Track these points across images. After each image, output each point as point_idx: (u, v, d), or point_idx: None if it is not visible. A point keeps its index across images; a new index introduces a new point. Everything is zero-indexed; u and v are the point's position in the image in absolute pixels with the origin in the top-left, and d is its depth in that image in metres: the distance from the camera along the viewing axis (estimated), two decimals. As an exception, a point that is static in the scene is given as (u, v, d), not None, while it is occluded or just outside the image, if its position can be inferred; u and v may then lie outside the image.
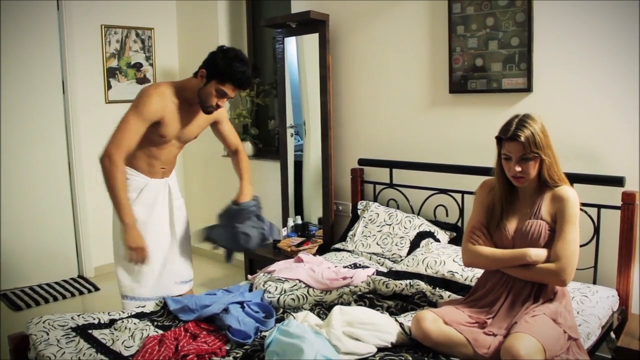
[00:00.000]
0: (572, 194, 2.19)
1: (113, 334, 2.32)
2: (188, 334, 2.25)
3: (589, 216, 2.85)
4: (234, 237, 2.80)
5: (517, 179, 2.21)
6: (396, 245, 3.29)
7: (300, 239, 3.96)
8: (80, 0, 4.61)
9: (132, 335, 2.29)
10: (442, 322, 2.11)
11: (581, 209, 2.84)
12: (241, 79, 2.62)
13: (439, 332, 2.08)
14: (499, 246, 2.28)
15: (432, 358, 2.07)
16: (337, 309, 2.22)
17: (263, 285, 2.70)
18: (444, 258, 2.88)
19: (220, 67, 2.60)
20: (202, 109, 2.71)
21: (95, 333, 2.30)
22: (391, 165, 3.65)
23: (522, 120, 2.17)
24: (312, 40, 3.96)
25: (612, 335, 2.63)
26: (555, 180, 2.21)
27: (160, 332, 2.33)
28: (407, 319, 2.36)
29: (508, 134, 2.16)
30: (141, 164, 2.77)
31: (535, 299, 2.18)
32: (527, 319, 2.05)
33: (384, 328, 2.18)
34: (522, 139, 2.12)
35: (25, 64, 4.40)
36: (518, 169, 2.17)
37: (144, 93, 2.61)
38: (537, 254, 2.15)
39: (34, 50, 4.44)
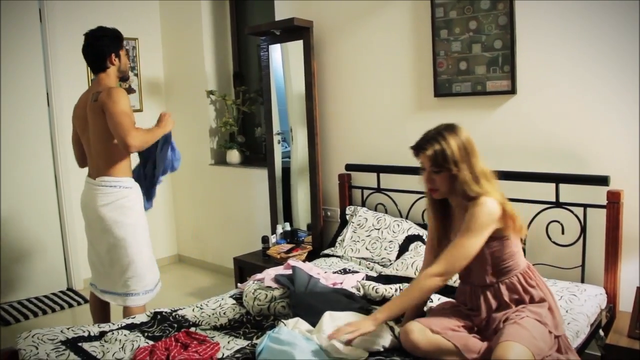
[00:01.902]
0: (482, 202, 2.08)
1: (103, 346, 2.30)
2: (179, 344, 2.24)
3: (575, 216, 2.87)
4: None
5: (431, 191, 2.19)
6: (385, 249, 3.29)
7: (289, 246, 3.95)
8: (63, 11, 4.60)
9: (122, 347, 2.28)
10: (429, 331, 2.10)
11: (567, 209, 2.88)
12: (120, 33, 3.08)
13: (426, 342, 2.07)
14: None
15: (422, 361, 2.08)
16: (327, 314, 2.23)
17: (253, 293, 2.70)
18: (433, 261, 2.88)
19: (115, 40, 3.02)
20: (127, 76, 3.18)
21: (86, 346, 2.29)
22: (378, 170, 3.66)
23: (437, 133, 2.13)
24: (296, 47, 3.98)
25: (601, 332, 2.65)
26: (472, 196, 2.11)
27: (151, 342, 2.32)
28: (398, 324, 2.35)
29: (415, 146, 2.15)
30: (126, 167, 2.97)
31: (514, 302, 2.17)
32: (515, 320, 2.04)
33: (375, 333, 2.18)
34: (427, 153, 2.11)
35: (8, 77, 4.37)
36: (427, 182, 2.17)
37: (115, 91, 2.84)
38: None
39: (18, 63, 4.41)
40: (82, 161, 3.17)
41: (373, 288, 2.64)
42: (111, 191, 2.88)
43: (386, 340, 2.18)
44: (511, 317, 2.08)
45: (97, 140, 2.90)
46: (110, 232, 2.88)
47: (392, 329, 2.23)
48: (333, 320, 2.19)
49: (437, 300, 2.58)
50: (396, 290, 2.61)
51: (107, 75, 3.00)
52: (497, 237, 2.14)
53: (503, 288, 2.18)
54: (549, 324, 2.09)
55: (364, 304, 2.52)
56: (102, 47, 2.97)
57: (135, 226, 2.93)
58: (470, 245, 2.07)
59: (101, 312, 3.17)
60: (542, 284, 2.22)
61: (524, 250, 3.00)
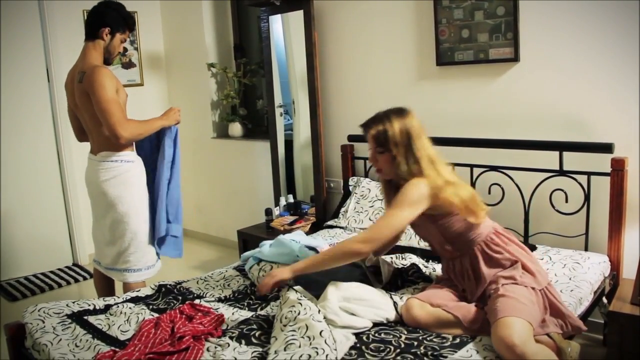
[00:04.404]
0: (411, 181, 2.15)
1: (109, 319, 2.32)
2: (184, 316, 2.26)
3: (579, 184, 2.86)
4: None
5: (377, 172, 2.29)
6: (389, 220, 3.29)
7: (292, 218, 3.96)
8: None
9: (127, 320, 2.30)
10: (429, 305, 2.13)
11: (571, 177, 2.86)
12: (133, 23, 3.01)
13: (427, 316, 2.11)
14: (418, 234, 2.40)
15: (426, 332, 2.08)
16: (332, 284, 2.24)
17: (258, 265, 2.71)
18: (437, 231, 2.88)
19: (119, 18, 2.89)
20: (109, 61, 2.95)
21: (91, 319, 2.31)
22: (381, 140, 3.64)
23: (385, 115, 2.23)
24: (297, 17, 3.93)
25: (604, 300, 2.66)
26: (405, 179, 2.18)
27: (156, 315, 2.34)
28: (404, 297, 2.35)
29: (363, 124, 2.26)
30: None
31: (482, 270, 2.19)
32: (503, 293, 2.04)
33: (379, 305, 2.19)
34: (371, 132, 2.21)
35: (7, 54, 4.34)
36: (371, 160, 2.27)
37: (99, 73, 2.72)
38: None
39: (16, 39, 4.38)
40: (80, 135, 3.12)
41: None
42: (113, 166, 2.85)
43: (390, 314, 2.19)
44: (493, 293, 2.09)
45: (91, 119, 2.85)
46: (114, 207, 2.87)
47: (395, 304, 2.24)
48: (338, 290, 2.20)
49: (439, 269, 2.58)
50: (396, 257, 2.63)
51: (94, 47, 2.87)
52: (444, 215, 2.19)
53: (466, 260, 2.23)
54: (527, 281, 2.11)
55: (365, 269, 2.53)
56: (103, 15, 2.86)
57: (138, 201, 2.92)
58: (395, 216, 2.14)
59: (106, 288, 3.18)
60: (511, 245, 2.24)
61: (527, 219, 3.01)
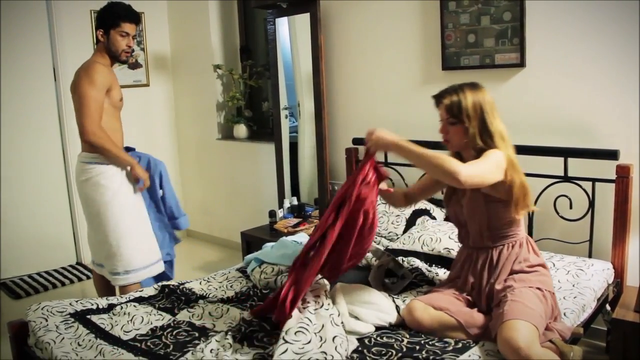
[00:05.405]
0: (490, 150, 2.13)
1: (112, 318, 2.33)
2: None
3: (584, 190, 2.85)
4: None
5: (445, 142, 2.27)
6: (392, 223, 3.29)
7: (296, 220, 3.96)
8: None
9: (131, 320, 2.30)
10: (431, 309, 2.13)
11: (576, 183, 2.86)
12: (129, 13, 2.96)
13: (430, 320, 2.11)
14: (457, 214, 2.32)
15: (428, 336, 2.08)
16: (338, 286, 2.24)
17: (260, 267, 2.71)
18: (440, 235, 2.88)
19: (108, 16, 2.91)
20: (118, 59, 2.99)
21: (94, 318, 2.31)
22: (386, 144, 3.64)
23: (459, 87, 2.21)
24: (303, 20, 3.93)
25: (608, 307, 2.65)
26: (481, 149, 2.16)
27: (164, 314, 2.35)
28: (407, 300, 2.35)
29: (436, 95, 2.24)
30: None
31: (504, 269, 2.18)
32: (512, 298, 2.04)
33: (383, 308, 2.19)
34: (444, 102, 2.19)
35: (15, 53, 4.35)
36: (441, 131, 2.25)
37: (89, 67, 2.85)
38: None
39: (24, 37, 4.39)
40: None
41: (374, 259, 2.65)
42: (88, 167, 2.86)
43: (392, 317, 2.19)
44: (506, 294, 2.09)
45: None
46: (87, 208, 2.91)
47: (397, 308, 2.24)
48: (345, 293, 2.21)
49: (442, 273, 2.58)
50: (396, 260, 2.64)
51: (99, 49, 2.97)
52: (501, 200, 2.16)
53: (495, 253, 2.21)
54: (535, 280, 2.13)
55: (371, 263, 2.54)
56: (97, 20, 2.95)
57: (110, 205, 2.87)
58: (489, 164, 2.07)
59: (105, 288, 3.16)
60: (537, 256, 2.24)
61: (531, 225, 3.01)
